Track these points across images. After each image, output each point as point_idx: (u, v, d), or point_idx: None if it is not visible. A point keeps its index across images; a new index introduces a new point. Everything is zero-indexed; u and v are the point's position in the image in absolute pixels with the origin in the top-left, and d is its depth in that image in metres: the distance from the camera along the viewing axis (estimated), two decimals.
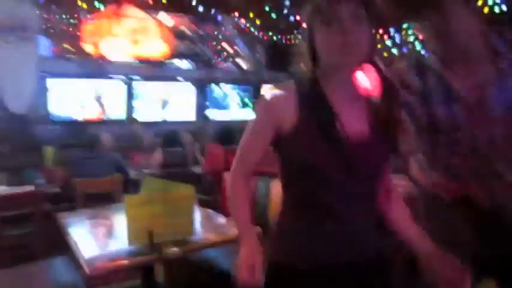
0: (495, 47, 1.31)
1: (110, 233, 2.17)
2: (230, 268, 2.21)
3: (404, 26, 4.57)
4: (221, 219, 2.19)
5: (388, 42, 5.09)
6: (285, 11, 3.95)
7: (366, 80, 1.01)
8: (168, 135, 4.42)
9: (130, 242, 1.68)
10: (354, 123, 0.99)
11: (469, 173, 1.30)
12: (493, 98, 1.29)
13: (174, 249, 1.66)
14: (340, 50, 0.93)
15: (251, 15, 3.96)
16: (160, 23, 2.47)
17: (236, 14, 4.06)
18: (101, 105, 5.59)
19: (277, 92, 1.05)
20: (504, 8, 3.64)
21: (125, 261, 1.65)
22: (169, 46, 2.67)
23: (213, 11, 4.41)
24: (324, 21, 0.95)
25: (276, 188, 2.64)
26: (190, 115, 6.33)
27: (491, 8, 3.60)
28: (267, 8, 3.82)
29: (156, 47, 2.62)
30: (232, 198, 1.13)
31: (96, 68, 5.17)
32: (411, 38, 4.91)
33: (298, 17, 4.22)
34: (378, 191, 1.06)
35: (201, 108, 6.40)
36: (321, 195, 1.00)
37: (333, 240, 1.02)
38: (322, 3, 0.96)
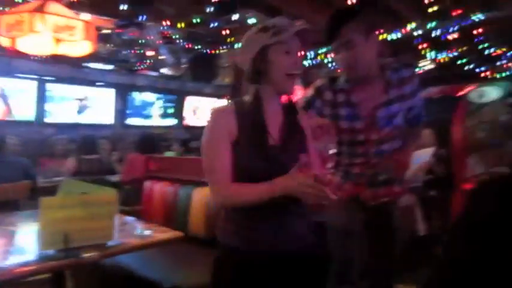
0: (388, 75, 1.62)
1: (17, 240, 2.03)
2: (145, 274, 2.20)
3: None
4: (140, 225, 2.17)
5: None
6: (213, 25, 4.08)
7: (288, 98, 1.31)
8: (85, 140, 4.22)
9: (43, 246, 1.60)
10: (276, 136, 1.24)
11: (361, 180, 1.68)
12: (383, 119, 1.63)
13: (92, 254, 1.63)
14: (292, 76, 1.21)
15: (181, 25, 4.01)
16: (87, 23, 2.39)
17: (167, 22, 4.06)
18: (7, 104, 5.14)
19: (220, 110, 1.29)
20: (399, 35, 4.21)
21: (34, 267, 1.56)
22: (94, 47, 2.60)
23: (140, 17, 4.35)
24: (285, 50, 1.19)
25: (197, 196, 2.69)
26: (109, 119, 6.10)
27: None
28: (195, 20, 3.90)
29: (80, 48, 2.54)
30: (237, 197, 1.21)
31: (4, 64, 4.76)
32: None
33: (225, 32, 4.37)
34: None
35: (121, 115, 6.21)
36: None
37: (269, 231, 1.22)
38: (285, 35, 1.17)
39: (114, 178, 4.15)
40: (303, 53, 1.25)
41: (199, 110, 7.21)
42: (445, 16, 3.87)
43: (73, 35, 2.34)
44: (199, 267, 2.29)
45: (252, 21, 3.77)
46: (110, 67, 6.26)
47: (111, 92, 6.21)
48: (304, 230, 1.28)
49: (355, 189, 1.69)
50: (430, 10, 3.52)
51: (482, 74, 6.22)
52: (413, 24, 4.06)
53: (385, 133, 1.65)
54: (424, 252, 3.73)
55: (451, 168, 5.10)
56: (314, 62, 5.57)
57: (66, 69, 5.52)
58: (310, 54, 5.42)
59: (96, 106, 5.97)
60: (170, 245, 2.19)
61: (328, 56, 5.21)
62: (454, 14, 3.79)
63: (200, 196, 2.67)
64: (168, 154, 4.69)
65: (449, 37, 4.11)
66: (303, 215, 1.28)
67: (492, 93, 7.95)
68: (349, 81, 1.64)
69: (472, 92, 7.86)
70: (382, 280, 1.71)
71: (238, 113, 1.24)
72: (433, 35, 4.11)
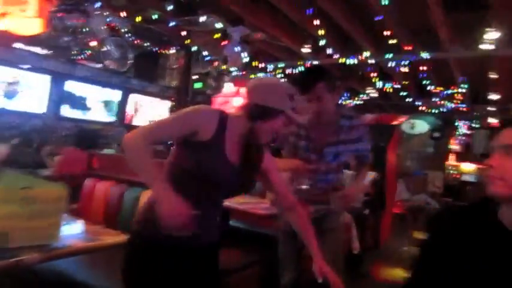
0: (340, 121, 1.99)
1: None
2: (87, 281, 2.00)
3: None
4: (84, 226, 1.99)
5: None
6: (171, 24, 3.95)
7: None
8: (28, 135, 3.86)
9: None
10: (234, 157, 1.37)
11: (308, 199, 1.98)
12: (330, 155, 2.00)
13: (34, 256, 1.44)
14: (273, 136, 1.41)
15: (138, 19, 3.82)
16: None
17: (124, 14, 3.85)
18: None
19: (209, 109, 1.39)
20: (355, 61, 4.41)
21: None
22: (45, 27, 2.37)
23: (89, 3, 4.08)
24: (286, 124, 1.38)
25: (145, 199, 2.53)
26: (41, 108, 5.57)
27: None
28: (154, 16, 3.75)
29: (29, 25, 2.29)
30: (137, 155, 1.23)
31: None
32: None
33: (183, 33, 4.26)
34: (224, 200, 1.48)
35: (55, 105, 5.71)
36: (197, 192, 1.31)
37: (203, 229, 1.32)
38: (299, 120, 1.42)
39: (45, 172, 3.79)
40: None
41: (142, 109, 6.90)
42: (398, 50, 4.15)
43: (24, 10, 2.11)
44: None
45: (218, 25, 3.71)
46: (46, 52, 5.76)
47: (45, 79, 5.69)
48: (216, 228, 1.45)
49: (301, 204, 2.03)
50: (389, 42, 3.75)
51: (420, 108, 6.74)
52: (368, 53, 4.29)
53: (332, 166, 2.03)
54: (354, 270, 3.90)
55: (383, 190, 5.44)
56: None
57: None
58: None
59: (27, 92, 5.43)
60: (112, 249, 2.03)
61: None
62: (405, 48, 4.06)
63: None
64: (107, 152, 4.39)
65: (402, 69, 4.41)
66: (219, 209, 1.46)
67: (421, 125, 8.69)
68: (310, 121, 1.91)
69: (405, 123, 8.52)
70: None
71: (220, 124, 1.34)
72: (388, 65, 4.38)
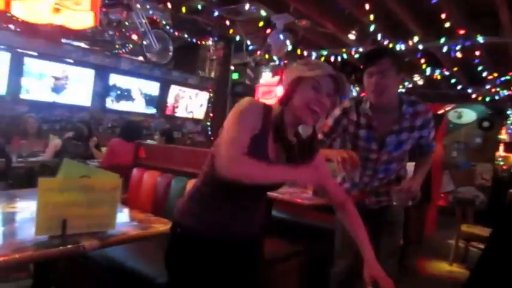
0: (404, 108, 1.88)
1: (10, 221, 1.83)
2: (137, 268, 2.06)
3: None
4: (136, 214, 2.03)
5: None
6: (216, 13, 3.94)
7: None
8: (79, 128, 4.04)
9: (38, 231, 1.44)
10: (278, 155, 1.33)
11: (366, 188, 2.02)
12: (391, 144, 1.92)
13: (93, 242, 1.48)
14: (312, 111, 1.29)
15: (183, 9, 3.85)
16: None
17: (168, 5, 3.89)
18: None
19: (258, 103, 1.34)
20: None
21: (28, 253, 1.40)
22: (97, 20, 2.42)
23: None
24: (314, 86, 1.29)
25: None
26: (86, 101, 5.79)
27: None
28: (199, 6, 3.76)
29: (81, 19, 2.34)
30: (251, 166, 1.19)
31: None
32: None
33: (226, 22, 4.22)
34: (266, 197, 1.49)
35: (99, 98, 5.91)
36: (239, 189, 1.24)
37: (234, 221, 1.36)
38: (318, 72, 1.28)
39: (93, 164, 3.92)
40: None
41: (182, 101, 7.01)
42: (451, 35, 3.94)
43: (78, 4, 2.15)
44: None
45: (263, 13, 3.66)
46: (91, 47, 5.96)
47: (90, 73, 5.90)
48: (257, 222, 1.45)
49: (361, 195, 2.03)
50: (443, 26, 3.55)
51: (472, 96, 6.41)
52: (417, 38, 4.10)
53: (394, 156, 1.95)
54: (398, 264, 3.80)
55: (428, 182, 5.24)
56: None
57: (43, 44, 5.18)
58: None
59: (74, 86, 5.66)
60: (161, 238, 2.07)
61: None
62: (460, 32, 3.84)
63: None
64: (150, 143, 4.49)
65: (458, 54, 4.18)
66: (262, 208, 1.47)
67: (469, 115, 8.27)
68: (371, 107, 1.90)
69: (451, 112, 8.14)
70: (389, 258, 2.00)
71: (265, 117, 1.31)
72: (441, 50, 4.17)
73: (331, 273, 2.13)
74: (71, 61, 5.59)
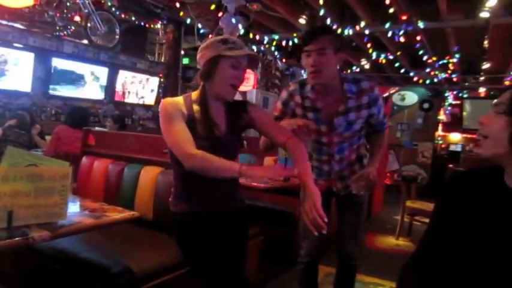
0: (346, 87, 1.84)
1: None
2: (90, 258, 2.00)
3: None
4: (89, 203, 1.96)
5: None
6: None
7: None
8: (22, 115, 3.79)
9: None
10: (219, 126, 1.54)
11: (331, 176, 2.02)
12: (341, 126, 1.89)
13: (44, 233, 1.42)
14: (233, 87, 1.50)
15: None
16: None
17: None
18: None
19: (173, 100, 1.54)
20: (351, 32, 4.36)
21: None
22: None
23: None
24: (234, 65, 1.46)
25: (145, 176, 2.51)
26: (26, 86, 5.41)
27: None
28: None
29: None
30: (208, 161, 1.39)
31: None
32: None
33: (176, 5, 4.10)
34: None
35: (42, 83, 5.55)
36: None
37: (212, 197, 1.57)
38: (237, 53, 1.44)
39: (36, 153, 3.71)
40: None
41: (132, 86, 6.77)
42: (395, 20, 4.10)
43: None
44: (149, 250, 2.15)
45: None
46: (30, 28, 5.56)
47: (29, 56, 5.51)
48: (235, 193, 1.65)
49: (328, 183, 2.04)
50: (387, 12, 3.69)
51: (415, 78, 6.73)
52: (363, 23, 4.23)
53: (346, 136, 1.92)
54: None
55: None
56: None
57: None
58: None
59: (12, 71, 5.26)
60: (113, 227, 2.03)
61: None
62: (402, 18, 4.01)
63: (149, 176, 2.49)
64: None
65: (401, 39, 4.36)
66: (234, 181, 1.62)
67: (411, 97, 8.73)
68: (314, 89, 1.86)
69: (395, 95, 8.54)
70: (344, 244, 2.11)
71: (187, 107, 1.52)
72: (385, 35, 4.32)
73: (299, 257, 2.16)
74: (9, 43, 5.19)
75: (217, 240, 1.58)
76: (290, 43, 5.26)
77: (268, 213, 3.53)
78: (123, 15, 6.56)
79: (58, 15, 6.64)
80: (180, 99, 1.55)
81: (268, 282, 2.98)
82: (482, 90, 8.54)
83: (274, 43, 5.49)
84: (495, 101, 1.10)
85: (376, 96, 1.87)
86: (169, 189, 1.72)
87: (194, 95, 1.57)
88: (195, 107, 1.53)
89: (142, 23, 7.10)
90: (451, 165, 7.23)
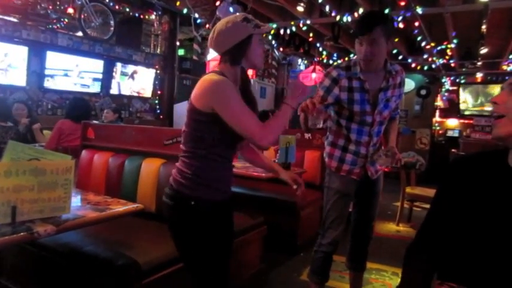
0: (388, 67, 2.01)
1: None
2: (93, 251, 1.99)
3: None
4: (92, 196, 1.96)
5: None
6: None
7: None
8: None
9: None
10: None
11: (366, 162, 2.07)
12: (382, 101, 2.00)
13: (48, 227, 1.41)
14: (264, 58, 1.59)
15: None
16: None
17: None
18: None
19: (227, 81, 1.41)
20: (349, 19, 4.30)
21: None
22: None
23: None
24: (261, 40, 1.50)
25: (147, 168, 2.50)
26: (21, 81, 5.34)
27: None
28: None
29: None
30: (274, 130, 1.42)
31: None
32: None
33: None
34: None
35: (37, 77, 5.48)
36: (229, 152, 1.52)
37: (229, 183, 1.57)
38: (263, 29, 1.47)
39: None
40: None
41: (128, 79, 6.71)
42: (393, 7, 4.06)
43: None
44: (154, 242, 2.15)
45: None
46: (24, 21, 5.47)
47: (23, 50, 5.42)
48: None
49: (364, 170, 2.10)
50: None
51: (413, 65, 6.69)
52: (362, 10, 4.19)
53: (385, 115, 2.03)
54: (347, 227, 4.02)
55: None
56: None
57: None
58: None
59: (6, 65, 5.18)
60: (116, 220, 2.02)
61: None
62: (400, 4, 3.98)
63: (150, 168, 2.48)
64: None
65: (400, 25, 4.33)
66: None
67: (408, 84, 8.71)
68: (362, 70, 1.96)
69: None
70: (367, 227, 2.28)
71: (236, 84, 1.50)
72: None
73: (318, 245, 2.17)
74: (5, 38, 5.11)
75: (224, 230, 1.57)
76: (288, 31, 5.21)
77: (270, 203, 3.53)
78: (117, 7, 6.48)
79: (51, 7, 6.57)
80: (224, 77, 1.44)
81: (271, 270, 2.99)
82: (479, 75, 8.52)
83: (271, 32, 5.44)
84: (509, 80, 1.10)
85: (404, 78, 2.11)
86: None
87: (232, 74, 1.49)
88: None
89: (137, 14, 7.02)
90: (454, 150, 7.24)
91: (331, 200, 2.12)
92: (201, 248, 1.48)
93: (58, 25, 7.02)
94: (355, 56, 2.02)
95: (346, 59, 7.90)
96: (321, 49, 7.24)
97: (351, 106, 1.99)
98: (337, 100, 2.01)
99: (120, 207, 1.79)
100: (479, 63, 7.22)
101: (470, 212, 1.10)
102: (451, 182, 1.19)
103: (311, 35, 6.03)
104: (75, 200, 1.83)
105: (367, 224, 2.26)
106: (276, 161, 3.14)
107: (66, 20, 7.27)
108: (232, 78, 1.45)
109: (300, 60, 9.83)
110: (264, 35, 6.41)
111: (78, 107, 3.80)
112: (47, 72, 5.53)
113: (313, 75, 7.03)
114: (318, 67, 7.14)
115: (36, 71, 5.42)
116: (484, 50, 6.21)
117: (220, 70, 1.46)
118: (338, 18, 4.34)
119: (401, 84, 2.09)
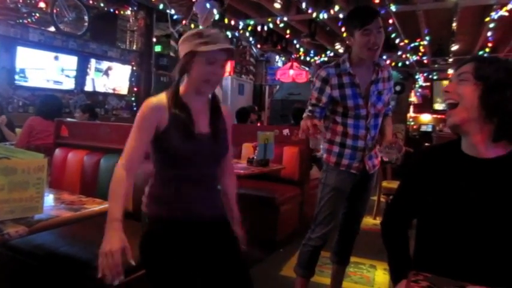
0: (378, 60, 2.02)
1: None
2: (68, 252, 1.95)
3: None
4: (66, 195, 1.91)
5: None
6: None
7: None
8: None
9: None
10: (204, 126, 1.44)
11: (364, 156, 2.06)
12: (374, 94, 2.02)
13: (20, 228, 1.37)
14: (209, 81, 1.38)
15: None
16: None
17: None
18: None
19: (154, 101, 1.40)
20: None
21: None
22: None
23: None
24: (209, 60, 1.35)
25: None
26: None
27: None
28: None
29: None
30: (112, 187, 1.36)
31: None
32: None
33: None
34: (218, 171, 1.52)
35: (7, 73, 5.30)
36: (186, 172, 1.41)
37: (196, 202, 1.43)
38: (209, 48, 1.33)
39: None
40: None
41: (103, 75, 6.57)
42: (369, 3, 4.12)
43: None
44: (131, 242, 2.11)
45: None
46: None
47: None
48: (218, 200, 1.53)
49: (362, 165, 2.09)
50: None
51: (388, 62, 6.82)
52: (337, 7, 4.23)
53: (379, 108, 2.04)
54: None
55: None
56: None
57: None
58: None
59: None
60: (92, 220, 1.98)
61: None
62: (375, 1, 4.04)
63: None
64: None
65: None
66: (216, 188, 1.54)
67: None
68: (352, 66, 1.98)
69: None
70: (356, 222, 2.28)
71: (169, 106, 1.39)
72: None
73: (307, 239, 2.17)
74: None
75: (195, 254, 1.42)
76: (265, 28, 5.22)
77: (249, 199, 3.53)
78: (91, 1, 6.33)
79: (21, 1, 6.35)
80: (164, 98, 1.41)
81: (251, 267, 3.00)
82: (451, 71, 8.77)
83: (249, 28, 5.43)
84: (457, 71, 1.17)
85: (391, 72, 2.14)
86: (149, 180, 1.65)
87: (182, 89, 1.45)
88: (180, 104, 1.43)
89: (112, 9, 6.88)
90: (427, 144, 7.45)
91: (325, 197, 2.12)
92: (154, 266, 1.39)
93: (29, 19, 6.81)
94: (346, 54, 2.03)
95: (323, 55, 8.00)
96: (298, 46, 7.28)
97: (344, 102, 2.00)
98: (330, 99, 2.03)
99: (96, 206, 1.75)
100: (450, 59, 7.43)
101: (433, 199, 1.20)
102: (415, 169, 1.31)
103: (288, 31, 6.06)
104: (49, 200, 1.78)
105: (356, 219, 2.27)
106: (255, 157, 3.14)
107: (37, 14, 7.05)
108: (189, 98, 1.42)
109: (277, 57, 9.86)
110: (242, 32, 6.41)
111: (49, 103, 3.70)
112: (17, 68, 5.35)
113: (291, 71, 7.10)
114: (295, 64, 7.18)
115: (6, 67, 5.25)
116: (455, 47, 6.39)
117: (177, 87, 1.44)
118: (314, 15, 4.37)
119: (390, 77, 2.12)
